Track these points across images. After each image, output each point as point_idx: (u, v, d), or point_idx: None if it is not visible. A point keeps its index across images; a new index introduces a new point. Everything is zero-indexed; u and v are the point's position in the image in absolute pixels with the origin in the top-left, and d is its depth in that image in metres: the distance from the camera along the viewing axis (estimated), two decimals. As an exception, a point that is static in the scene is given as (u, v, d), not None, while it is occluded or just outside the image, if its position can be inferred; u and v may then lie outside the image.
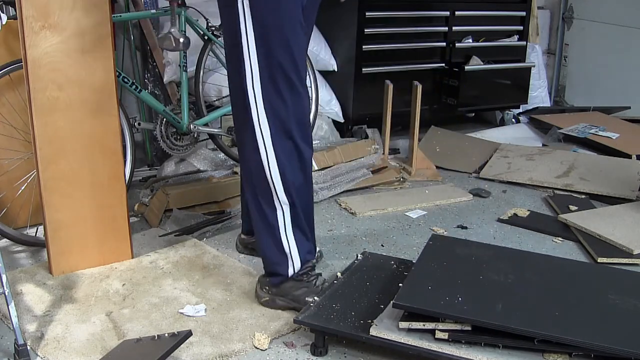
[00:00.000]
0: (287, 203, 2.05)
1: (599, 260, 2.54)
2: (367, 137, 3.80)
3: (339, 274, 2.20)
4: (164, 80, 3.42)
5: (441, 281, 1.93)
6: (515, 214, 2.98)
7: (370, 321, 1.87)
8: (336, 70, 3.85)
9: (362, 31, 3.71)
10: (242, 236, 2.54)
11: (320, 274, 2.21)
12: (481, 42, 4.15)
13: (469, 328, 1.75)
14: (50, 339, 1.97)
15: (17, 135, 2.56)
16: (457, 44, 4.02)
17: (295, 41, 1.96)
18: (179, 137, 3.13)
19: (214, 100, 3.40)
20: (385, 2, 3.80)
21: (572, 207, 3.01)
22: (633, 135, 3.94)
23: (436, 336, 1.77)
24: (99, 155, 2.34)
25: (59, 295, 2.22)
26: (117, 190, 2.40)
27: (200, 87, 3.18)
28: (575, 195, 3.20)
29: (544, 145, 3.94)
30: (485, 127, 4.32)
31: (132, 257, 2.47)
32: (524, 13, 4.29)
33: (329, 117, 3.81)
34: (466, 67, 3.97)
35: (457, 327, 1.76)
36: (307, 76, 2.71)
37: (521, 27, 4.31)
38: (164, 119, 3.05)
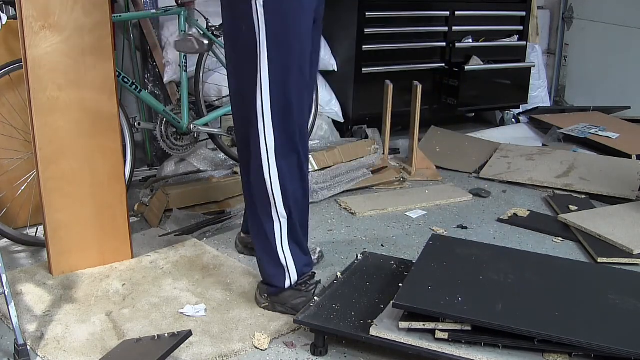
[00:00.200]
0: (285, 216, 2.05)
1: (599, 260, 2.54)
2: (367, 137, 3.80)
3: (338, 274, 2.20)
4: (164, 80, 3.42)
5: (441, 281, 1.93)
6: (515, 214, 2.98)
7: (370, 321, 1.87)
8: (336, 70, 3.85)
9: (362, 31, 3.71)
10: (242, 235, 2.53)
11: (319, 282, 2.21)
12: (481, 42, 4.15)
13: (469, 328, 1.75)
14: (50, 339, 1.97)
15: (17, 135, 2.56)
16: (457, 44, 4.02)
17: (307, 53, 1.97)
18: (179, 137, 3.13)
19: (214, 100, 3.40)
20: (385, 2, 3.80)
21: (572, 207, 3.01)
22: (633, 135, 3.94)
23: (436, 336, 1.77)
24: (99, 155, 2.34)
25: (59, 295, 2.22)
26: (117, 190, 2.40)
27: (200, 87, 3.18)
28: (575, 195, 3.20)
29: (544, 145, 3.94)
30: (485, 127, 4.32)
31: (132, 257, 2.47)
32: (524, 13, 4.29)
33: (329, 117, 3.81)
34: (466, 67, 3.97)
35: (457, 327, 1.76)
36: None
37: (521, 27, 4.31)
38: (164, 119, 3.05)
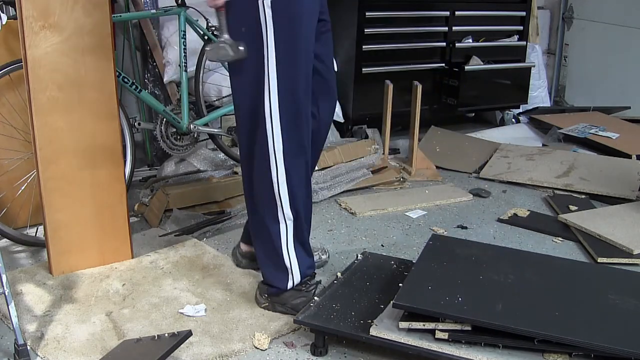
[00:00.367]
0: (292, 217, 2.04)
1: (599, 260, 2.54)
2: (367, 137, 3.80)
3: (339, 274, 2.20)
4: (164, 80, 3.42)
5: (441, 281, 1.93)
6: (515, 214, 2.98)
7: (370, 321, 1.87)
8: (336, 70, 3.84)
9: (362, 31, 3.71)
10: (243, 248, 2.41)
11: (319, 282, 2.21)
12: (481, 42, 4.15)
13: (469, 328, 1.75)
14: (50, 339, 1.97)
15: (17, 135, 2.56)
16: (457, 44, 4.02)
17: (312, 53, 1.97)
18: (179, 137, 3.13)
19: (214, 100, 3.40)
20: (385, 2, 3.80)
21: (572, 207, 3.01)
22: (633, 135, 3.94)
23: (436, 336, 1.77)
24: (99, 155, 2.34)
25: (59, 295, 2.22)
26: (117, 190, 2.40)
27: (200, 87, 3.18)
28: (575, 195, 3.20)
29: (544, 145, 3.94)
30: (485, 127, 4.32)
31: (132, 257, 2.47)
32: (524, 13, 4.29)
33: (329, 117, 3.81)
34: (466, 67, 3.97)
35: (457, 327, 1.76)
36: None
37: (521, 27, 4.31)
38: (164, 119, 3.05)
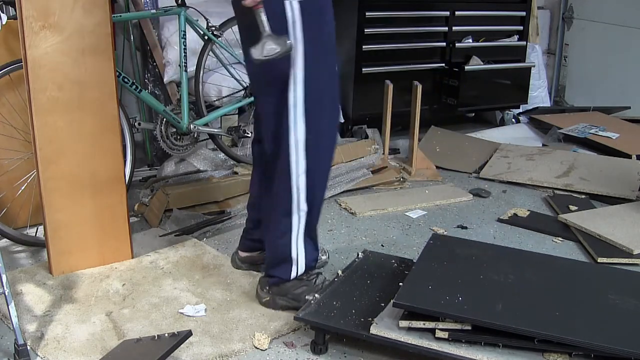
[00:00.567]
0: (306, 209, 2.05)
1: (599, 260, 2.53)
2: (367, 137, 3.80)
3: (339, 272, 2.20)
4: (164, 80, 3.42)
5: (441, 281, 1.93)
6: (515, 214, 2.98)
7: (370, 319, 1.87)
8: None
9: (362, 31, 3.71)
10: (241, 254, 2.41)
11: (320, 273, 2.22)
12: (481, 42, 4.15)
13: (469, 327, 1.75)
14: (50, 339, 1.97)
15: (17, 135, 2.56)
16: (457, 44, 4.02)
17: (335, 48, 2.03)
18: (179, 137, 3.13)
19: (214, 100, 3.40)
20: (385, 2, 3.80)
21: (572, 207, 3.01)
22: (633, 135, 3.94)
23: (436, 335, 1.77)
24: (99, 155, 2.34)
25: (59, 295, 2.22)
26: (117, 190, 2.40)
27: (201, 87, 3.18)
28: (575, 195, 3.20)
29: (544, 145, 3.94)
30: (485, 127, 4.32)
31: (132, 257, 2.47)
32: (524, 13, 4.29)
33: (329, 117, 3.80)
34: (466, 67, 3.97)
35: (457, 326, 1.76)
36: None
37: (521, 27, 4.31)
38: (164, 119, 3.05)
